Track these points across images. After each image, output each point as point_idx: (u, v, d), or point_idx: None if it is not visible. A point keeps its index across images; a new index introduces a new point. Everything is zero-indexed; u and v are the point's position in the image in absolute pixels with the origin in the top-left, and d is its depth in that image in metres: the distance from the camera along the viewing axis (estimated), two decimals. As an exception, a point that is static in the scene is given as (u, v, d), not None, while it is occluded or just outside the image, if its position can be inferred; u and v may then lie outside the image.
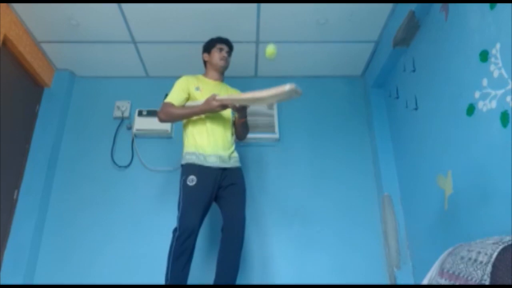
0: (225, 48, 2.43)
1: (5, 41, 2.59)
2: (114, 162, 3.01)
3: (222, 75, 2.48)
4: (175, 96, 2.28)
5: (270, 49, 2.20)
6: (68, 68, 3.24)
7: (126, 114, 3.15)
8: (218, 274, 2.09)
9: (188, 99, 2.32)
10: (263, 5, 2.59)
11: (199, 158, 2.19)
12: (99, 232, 2.79)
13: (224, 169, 2.23)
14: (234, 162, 2.31)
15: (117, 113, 3.15)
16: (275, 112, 3.14)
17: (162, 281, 2.09)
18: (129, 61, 3.15)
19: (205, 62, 2.50)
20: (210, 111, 2.19)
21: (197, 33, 2.77)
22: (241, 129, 2.40)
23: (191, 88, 2.33)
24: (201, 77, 2.45)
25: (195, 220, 2.05)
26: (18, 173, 2.82)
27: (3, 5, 2.54)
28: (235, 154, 2.35)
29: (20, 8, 2.63)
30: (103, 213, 2.85)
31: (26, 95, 2.96)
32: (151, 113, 3.05)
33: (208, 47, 2.46)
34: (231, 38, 2.47)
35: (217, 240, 2.17)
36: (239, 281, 2.15)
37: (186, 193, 2.12)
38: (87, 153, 3.05)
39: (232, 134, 2.40)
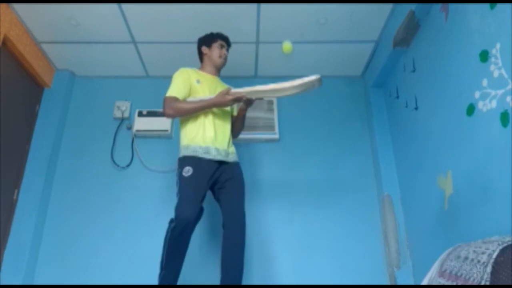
0: (226, 45, 2.43)
1: (5, 41, 2.59)
2: (114, 162, 3.01)
3: (219, 72, 2.46)
4: (178, 89, 2.18)
5: (287, 45, 2.32)
6: (68, 68, 3.24)
7: (126, 114, 3.15)
8: (224, 274, 2.06)
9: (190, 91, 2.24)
10: (263, 5, 2.59)
11: (196, 151, 2.15)
12: (99, 232, 2.79)
13: (221, 163, 2.19)
14: (232, 157, 2.27)
15: (117, 113, 3.15)
16: (275, 112, 3.14)
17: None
18: (129, 61, 3.15)
19: (202, 55, 2.45)
20: (222, 105, 2.16)
21: (197, 33, 2.75)
22: (240, 122, 2.38)
23: (193, 81, 2.27)
24: (198, 71, 2.41)
25: (192, 211, 2.00)
26: (18, 173, 2.82)
27: (3, 5, 2.54)
28: (234, 149, 2.32)
29: (20, 8, 2.63)
30: (103, 213, 2.85)
31: (26, 95, 2.96)
32: (151, 114, 3.06)
33: (209, 41, 2.42)
34: (231, 38, 2.48)
35: (218, 237, 2.17)
36: (239, 281, 2.16)
37: (182, 184, 2.09)
38: (87, 153, 3.05)
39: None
